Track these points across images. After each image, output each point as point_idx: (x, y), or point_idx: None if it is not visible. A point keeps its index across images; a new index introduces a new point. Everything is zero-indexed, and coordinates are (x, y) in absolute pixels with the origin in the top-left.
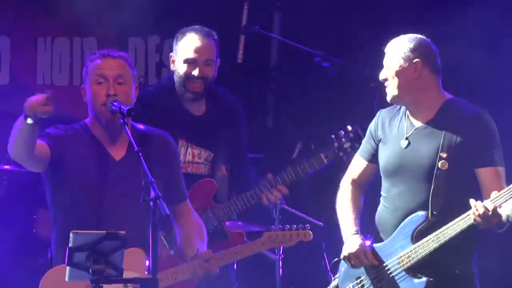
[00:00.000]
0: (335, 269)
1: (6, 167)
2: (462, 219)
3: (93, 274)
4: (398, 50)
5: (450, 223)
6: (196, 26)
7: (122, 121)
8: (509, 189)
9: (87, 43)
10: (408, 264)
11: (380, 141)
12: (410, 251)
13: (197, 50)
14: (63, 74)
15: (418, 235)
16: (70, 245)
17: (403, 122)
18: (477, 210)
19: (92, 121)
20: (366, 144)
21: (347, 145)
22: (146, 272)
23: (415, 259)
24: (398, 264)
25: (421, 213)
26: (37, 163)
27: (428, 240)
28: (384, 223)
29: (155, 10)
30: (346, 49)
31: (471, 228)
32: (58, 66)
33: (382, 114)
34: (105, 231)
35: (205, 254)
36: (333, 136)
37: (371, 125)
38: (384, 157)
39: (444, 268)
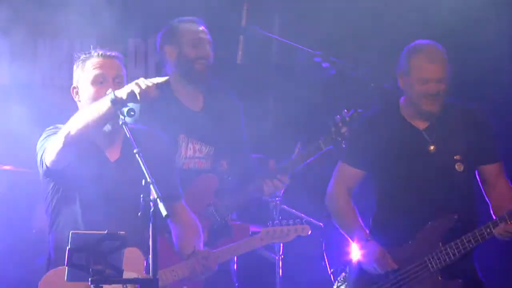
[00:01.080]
0: (336, 276)
1: (6, 167)
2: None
3: (93, 274)
4: (446, 59)
5: (483, 226)
6: (182, 18)
7: (122, 121)
8: None
9: (87, 43)
10: (439, 265)
11: (375, 148)
12: (440, 253)
13: (201, 32)
14: (63, 74)
15: (446, 238)
16: (69, 245)
17: (404, 127)
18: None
19: None
20: (355, 153)
21: (344, 129)
22: (144, 272)
23: (447, 261)
24: (427, 267)
25: (450, 215)
26: (74, 154)
27: (463, 240)
28: (395, 227)
29: (155, 11)
30: (346, 49)
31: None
32: (58, 66)
33: (368, 121)
34: (105, 231)
35: (203, 252)
36: (330, 122)
37: (358, 134)
38: (391, 162)
39: (466, 270)
